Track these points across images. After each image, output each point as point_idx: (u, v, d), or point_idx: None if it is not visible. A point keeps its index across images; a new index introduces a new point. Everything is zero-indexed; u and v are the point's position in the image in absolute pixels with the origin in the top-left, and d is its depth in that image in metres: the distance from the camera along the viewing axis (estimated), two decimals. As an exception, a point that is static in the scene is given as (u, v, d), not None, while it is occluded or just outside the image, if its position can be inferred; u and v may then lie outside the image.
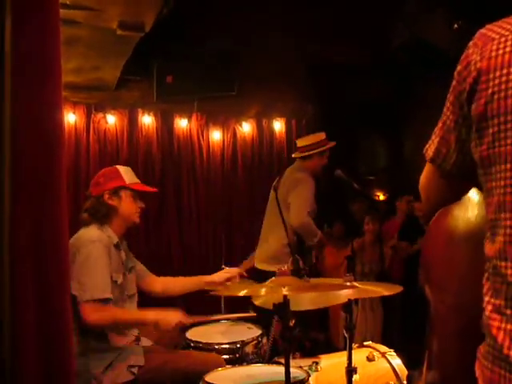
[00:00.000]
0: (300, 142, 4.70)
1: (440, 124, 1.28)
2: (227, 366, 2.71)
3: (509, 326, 1.05)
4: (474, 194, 1.42)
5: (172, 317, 2.82)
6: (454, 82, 1.22)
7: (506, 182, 1.08)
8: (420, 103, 6.18)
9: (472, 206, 1.49)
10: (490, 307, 1.11)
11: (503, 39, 1.10)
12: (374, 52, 5.43)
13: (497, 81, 1.09)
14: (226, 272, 3.25)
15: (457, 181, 1.31)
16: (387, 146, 7.35)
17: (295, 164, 4.68)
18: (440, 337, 1.60)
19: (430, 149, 1.31)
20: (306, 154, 4.56)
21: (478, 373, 1.13)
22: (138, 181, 3.05)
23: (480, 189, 1.25)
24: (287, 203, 4.38)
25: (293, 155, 4.76)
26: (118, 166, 3.05)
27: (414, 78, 6.05)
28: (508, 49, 1.08)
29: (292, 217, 4.30)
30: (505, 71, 1.08)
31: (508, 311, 1.06)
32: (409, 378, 2.19)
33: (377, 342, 3.17)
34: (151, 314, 2.85)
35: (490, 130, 1.10)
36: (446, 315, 1.56)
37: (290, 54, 5.49)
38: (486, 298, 1.13)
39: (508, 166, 1.08)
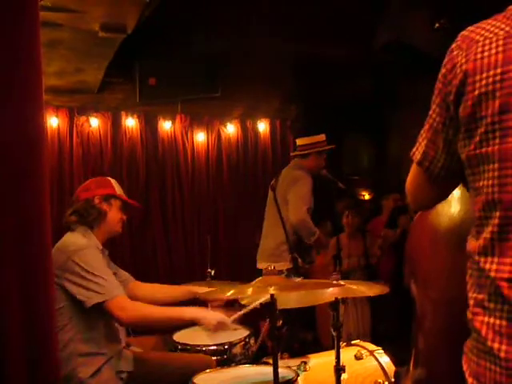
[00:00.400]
0: (300, 141, 4.76)
1: (427, 126, 1.29)
2: (216, 368, 2.70)
3: (492, 320, 1.07)
4: (456, 190, 1.44)
5: (213, 316, 2.75)
6: (439, 85, 1.23)
7: (493, 181, 1.10)
8: (404, 103, 6.22)
9: (455, 202, 1.50)
10: (472, 302, 1.14)
11: (487, 41, 1.12)
12: (358, 52, 5.43)
13: (483, 82, 1.11)
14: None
15: (443, 183, 1.32)
16: (372, 145, 7.38)
17: (292, 163, 4.72)
18: (426, 333, 1.61)
19: (417, 151, 1.32)
20: (305, 152, 4.61)
21: (465, 367, 1.15)
22: (122, 192, 3.05)
23: (465, 185, 1.26)
24: (286, 201, 4.40)
25: (291, 154, 4.80)
26: (108, 178, 3.06)
27: (398, 78, 6.08)
28: (493, 51, 1.10)
29: (290, 213, 4.33)
30: (491, 73, 1.10)
31: (490, 305, 1.08)
32: (396, 375, 2.20)
33: (365, 340, 3.18)
34: (189, 312, 2.77)
35: (478, 131, 1.12)
36: (432, 311, 1.57)
37: (274, 55, 5.48)
38: (470, 294, 1.15)
39: (496, 165, 1.09)
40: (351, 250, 5.19)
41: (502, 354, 1.04)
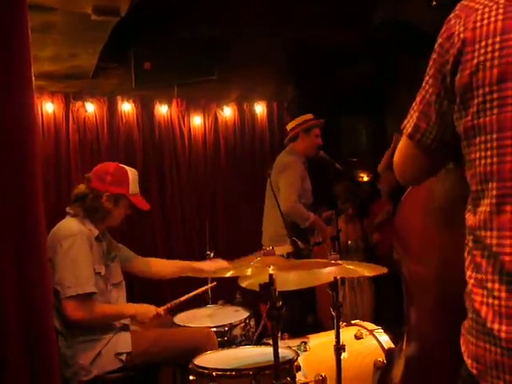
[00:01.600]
0: (288, 126, 4.76)
1: (419, 98, 1.26)
2: (216, 343, 2.73)
3: (491, 300, 1.05)
4: (448, 166, 1.42)
5: (149, 311, 2.86)
6: (434, 55, 1.20)
7: (492, 152, 1.08)
8: (402, 84, 6.17)
9: (446, 177, 1.48)
10: (472, 281, 1.11)
11: (487, 9, 1.09)
12: (356, 33, 5.39)
13: (482, 50, 1.08)
14: (216, 263, 3.23)
15: (435, 156, 1.29)
16: (370, 126, 7.35)
17: (286, 148, 4.70)
18: (418, 308, 1.61)
19: (408, 124, 1.29)
20: (293, 133, 4.60)
21: (463, 348, 1.13)
22: (138, 190, 3.00)
23: (458, 160, 1.25)
24: (278, 188, 4.40)
25: (284, 141, 4.79)
26: (128, 170, 2.97)
27: (397, 59, 6.03)
28: (492, 19, 1.08)
29: (280, 201, 4.33)
30: (490, 41, 1.07)
31: (489, 285, 1.06)
32: (388, 355, 2.19)
33: (367, 320, 3.19)
34: (130, 308, 2.88)
35: (475, 101, 1.10)
36: (424, 286, 1.56)
37: (271, 37, 5.44)
38: (468, 273, 1.13)
39: (494, 135, 1.07)
40: (350, 234, 5.20)
41: (503, 335, 1.01)
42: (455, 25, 1.15)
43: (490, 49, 1.07)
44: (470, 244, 1.13)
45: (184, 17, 4.91)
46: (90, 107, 5.59)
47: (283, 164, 4.50)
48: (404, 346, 1.71)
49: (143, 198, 3.05)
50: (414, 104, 1.29)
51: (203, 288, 3.38)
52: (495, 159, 1.07)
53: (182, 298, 3.15)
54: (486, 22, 1.08)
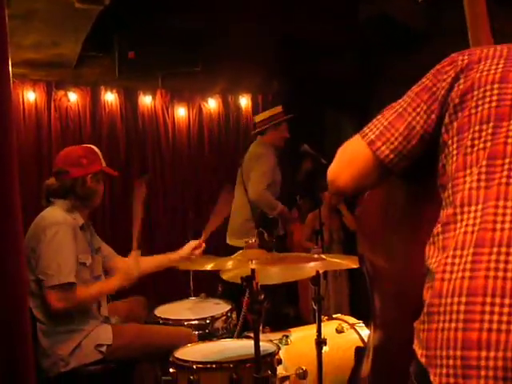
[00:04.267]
0: (257, 118, 4.82)
1: (390, 111, 1.31)
2: (197, 342, 2.71)
3: (454, 275, 1.06)
4: None
5: (130, 271, 2.83)
6: (428, 80, 1.26)
7: (473, 142, 1.12)
8: (386, 79, 6.18)
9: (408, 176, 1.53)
10: (435, 265, 1.11)
11: (491, 55, 1.19)
12: (342, 28, 5.39)
13: (489, 62, 1.18)
14: (189, 245, 3.20)
15: (387, 168, 1.30)
16: (354, 122, 7.36)
17: (256, 140, 4.74)
18: (380, 295, 1.63)
19: (370, 132, 1.33)
20: (262, 128, 4.65)
21: (415, 342, 1.13)
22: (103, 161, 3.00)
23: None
24: (249, 178, 4.42)
25: (252, 133, 4.81)
26: (92, 146, 2.98)
27: (381, 55, 6.04)
28: (499, 47, 1.19)
29: (249, 190, 4.36)
30: (495, 61, 1.17)
31: (455, 260, 1.07)
32: (356, 353, 2.17)
33: (345, 313, 3.20)
34: (113, 279, 2.85)
35: (474, 98, 1.16)
36: (383, 276, 1.59)
37: (256, 29, 5.42)
38: (432, 260, 1.14)
39: (490, 124, 1.12)
40: (329, 225, 5.22)
41: (462, 308, 1.02)
42: (458, 55, 1.23)
43: (495, 61, 1.18)
44: (435, 232, 1.15)
45: (169, 7, 4.87)
46: (73, 96, 5.51)
47: (257, 154, 4.54)
48: (371, 336, 1.72)
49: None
50: (380, 116, 1.34)
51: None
52: (488, 144, 1.11)
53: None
54: (492, 49, 1.20)
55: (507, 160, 1.08)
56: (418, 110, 1.25)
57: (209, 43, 5.37)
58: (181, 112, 6.06)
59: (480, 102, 1.14)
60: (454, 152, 1.16)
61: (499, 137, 1.10)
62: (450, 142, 1.19)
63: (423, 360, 1.08)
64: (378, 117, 1.32)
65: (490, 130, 1.12)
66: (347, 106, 6.82)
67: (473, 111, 1.15)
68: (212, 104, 6.22)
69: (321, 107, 6.54)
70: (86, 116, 5.57)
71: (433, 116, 1.23)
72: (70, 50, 4.80)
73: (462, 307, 1.03)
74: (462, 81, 1.19)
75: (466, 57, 1.22)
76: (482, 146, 1.11)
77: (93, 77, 5.57)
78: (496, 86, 1.14)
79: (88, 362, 2.67)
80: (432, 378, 1.05)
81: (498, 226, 1.04)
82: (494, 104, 1.13)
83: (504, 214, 1.04)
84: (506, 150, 1.09)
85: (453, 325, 1.03)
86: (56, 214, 2.74)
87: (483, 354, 0.99)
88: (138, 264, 2.85)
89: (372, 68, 6.34)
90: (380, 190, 1.59)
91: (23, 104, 5.25)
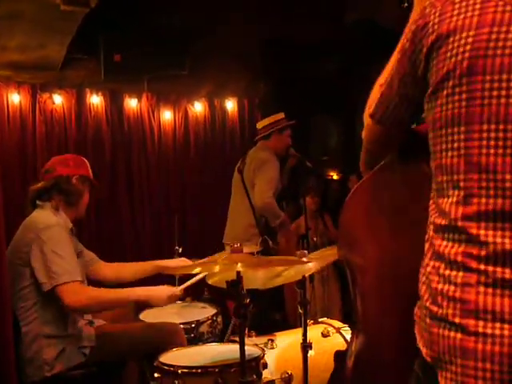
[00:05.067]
0: (260, 124, 4.77)
1: (382, 82, 1.36)
2: (183, 346, 2.69)
3: (446, 287, 1.07)
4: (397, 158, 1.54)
5: (163, 291, 2.75)
6: (405, 42, 1.23)
7: (459, 144, 1.09)
8: (372, 82, 6.20)
9: (395, 170, 1.55)
10: (429, 269, 1.13)
11: (464, 3, 1.11)
12: (327, 30, 5.41)
13: (456, 44, 1.10)
14: (182, 261, 3.19)
15: (391, 130, 1.38)
16: (340, 125, 7.39)
17: (258, 145, 4.69)
18: (362, 295, 1.64)
19: (372, 105, 1.39)
20: (267, 133, 4.60)
21: (418, 337, 1.15)
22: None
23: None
24: (253, 184, 4.37)
25: (256, 138, 4.78)
26: (83, 158, 3.05)
27: (367, 58, 6.07)
28: (469, 14, 1.09)
29: (256, 197, 4.30)
30: (464, 34, 1.09)
31: (446, 272, 1.08)
32: (336, 356, 2.16)
33: (336, 317, 3.20)
34: (140, 291, 2.77)
35: (444, 92, 1.12)
36: (367, 270, 1.61)
37: (242, 33, 5.42)
38: (426, 261, 1.15)
39: (462, 128, 1.09)
40: (313, 230, 5.22)
41: (457, 320, 1.04)
42: (430, 14, 1.16)
43: (463, 42, 1.09)
44: (431, 233, 1.15)
45: (156, 9, 4.86)
46: (58, 99, 5.47)
47: (260, 159, 4.46)
48: (354, 342, 1.73)
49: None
50: (377, 85, 1.40)
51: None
52: (462, 151, 1.09)
53: (194, 280, 2.91)
54: (462, 16, 1.10)
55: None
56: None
57: (195, 47, 5.37)
58: (167, 115, 6.05)
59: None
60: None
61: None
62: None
63: (429, 359, 1.10)
64: None
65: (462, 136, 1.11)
66: (333, 109, 6.85)
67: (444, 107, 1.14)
68: (198, 107, 6.22)
69: (307, 111, 6.55)
70: (71, 119, 5.53)
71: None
72: (55, 53, 4.77)
73: (458, 313, 1.05)
74: (436, 61, 1.14)
75: (436, 19, 1.14)
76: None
77: (78, 79, 5.53)
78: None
79: (72, 366, 2.65)
80: (439, 378, 1.08)
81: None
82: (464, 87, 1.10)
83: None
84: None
85: (452, 333, 1.05)
86: (48, 217, 2.73)
87: (479, 364, 1.01)
88: (173, 295, 2.76)
89: (358, 71, 6.36)
90: (364, 191, 1.61)
91: (8, 106, 5.20)
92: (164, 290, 2.76)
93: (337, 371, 2.12)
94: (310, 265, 2.43)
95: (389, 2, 4.72)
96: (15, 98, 5.27)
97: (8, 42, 4.33)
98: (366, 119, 1.44)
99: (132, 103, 5.85)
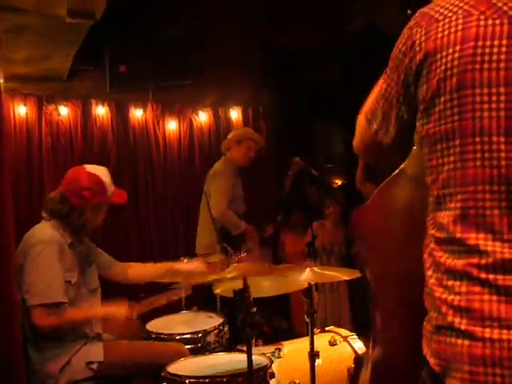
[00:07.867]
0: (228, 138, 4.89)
1: (379, 95, 1.35)
2: (190, 356, 2.69)
3: (451, 297, 1.08)
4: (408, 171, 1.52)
5: (120, 310, 2.73)
6: (396, 61, 1.25)
7: (455, 157, 1.11)
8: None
9: (406, 182, 1.55)
10: (432, 281, 1.15)
11: (447, 20, 1.14)
12: (331, 38, 5.43)
13: (444, 60, 1.12)
14: (194, 263, 3.20)
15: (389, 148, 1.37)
16: (344, 133, 7.38)
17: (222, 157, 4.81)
18: (382, 311, 1.63)
19: (370, 111, 1.43)
20: (226, 144, 4.78)
21: (425, 350, 1.16)
22: (113, 187, 2.93)
23: None
24: (210, 195, 4.44)
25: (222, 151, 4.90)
26: (100, 175, 2.82)
27: (369, 65, 6.08)
28: (453, 29, 1.12)
29: (211, 208, 4.36)
30: (451, 50, 1.12)
31: (450, 283, 1.09)
32: (356, 361, 2.18)
33: (345, 324, 3.19)
34: (100, 310, 2.82)
35: (437, 109, 1.13)
36: (387, 286, 1.60)
37: (246, 42, 5.45)
38: (429, 273, 1.16)
39: (457, 142, 1.11)
40: (328, 238, 5.22)
41: (463, 327, 1.05)
42: (416, 33, 1.19)
43: (450, 58, 1.11)
44: (432, 245, 1.16)
45: (159, 21, 4.90)
46: (64, 110, 5.51)
47: (214, 171, 4.63)
48: (370, 351, 1.73)
49: (117, 188, 2.99)
50: (374, 99, 1.39)
51: (177, 294, 3.30)
52: (458, 165, 1.11)
53: (154, 301, 2.99)
54: (446, 32, 1.13)
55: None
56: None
57: (199, 57, 5.40)
58: (171, 125, 6.07)
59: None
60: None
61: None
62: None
63: (437, 368, 1.11)
64: None
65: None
66: (337, 116, 6.85)
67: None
68: (203, 117, 6.23)
69: (311, 119, 6.56)
70: (77, 130, 5.56)
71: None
72: (61, 64, 4.81)
73: (465, 321, 1.06)
74: (426, 79, 1.16)
75: (423, 37, 1.17)
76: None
77: (84, 90, 5.58)
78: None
79: (78, 379, 2.63)
80: None
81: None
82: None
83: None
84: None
85: (459, 341, 1.06)
86: (44, 232, 2.69)
87: (489, 370, 1.01)
88: (127, 315, 2.75)
89: (361, 79, 6.37)
90: (385, 194, 1.60)
91: (14, 118, 5.24)
92: (122, 311, 2.72)
93: (356, 375, 2.12)
94: (314, 275, 2.42)
95: (390, 9, 4.75)
96: (21, 110, 5.31)
97: (14, 54, 4.37)
98: (364, 137, 1.46)
99: (137, 113, 5.88)
